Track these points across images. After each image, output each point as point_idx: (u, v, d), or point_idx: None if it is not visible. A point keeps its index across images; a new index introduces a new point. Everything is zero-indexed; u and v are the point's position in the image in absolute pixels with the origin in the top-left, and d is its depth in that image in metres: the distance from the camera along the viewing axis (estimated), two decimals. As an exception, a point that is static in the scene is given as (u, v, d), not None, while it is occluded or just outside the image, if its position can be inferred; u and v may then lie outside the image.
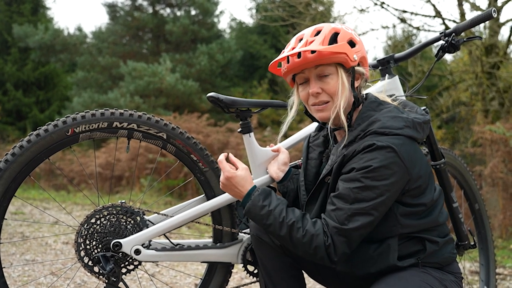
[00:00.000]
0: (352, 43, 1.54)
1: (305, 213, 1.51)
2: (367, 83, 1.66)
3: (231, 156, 1.68)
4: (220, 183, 1.63)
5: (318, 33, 1.55)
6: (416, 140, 1.50)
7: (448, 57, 9.86)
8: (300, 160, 1.94)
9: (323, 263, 1.47)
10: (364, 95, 1.60)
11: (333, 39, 1.52)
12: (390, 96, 1.69)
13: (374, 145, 1.42)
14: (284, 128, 1.70)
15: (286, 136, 1.89)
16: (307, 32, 1.57)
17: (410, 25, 7.51)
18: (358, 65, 1.56)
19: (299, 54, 1.51)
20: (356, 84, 1.57)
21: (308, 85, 1.57)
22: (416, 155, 1.47)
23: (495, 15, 1.87)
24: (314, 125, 1.96)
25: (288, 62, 1.54)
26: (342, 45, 1.51)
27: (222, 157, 1.65)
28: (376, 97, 1.60)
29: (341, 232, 1.42)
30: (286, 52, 1.56)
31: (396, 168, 1.41)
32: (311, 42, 1.52)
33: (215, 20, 15.62)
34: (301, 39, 1.57)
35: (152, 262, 1.76)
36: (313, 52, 1.49)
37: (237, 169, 1.62)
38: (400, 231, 1.49)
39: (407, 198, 1.48)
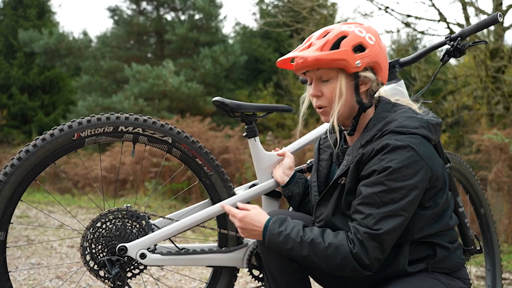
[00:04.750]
0: (360, 48, 1.50)
1: (324, 229, 1.49)
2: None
3: (238, 204, 1.65)
4: (238, 229, 1.60)
5: (325, 36, 1.53)
6: (430, 141, 1.49)
7: (452, 61, 9.84)
8: (305, 165, 1.94)
9: (358, 274, 1.43)
10: (378, 98, 1.60)
11: (337, 44, 1.49)
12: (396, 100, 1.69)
13: (392, 145, 1.41)
14: (299, 121, 1.69)
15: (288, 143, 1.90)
16: (316, 34, 1.57)
17: (414, 29, 7.50)
18: (366, 70, 1.52)
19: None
20: (364, 88, 1.54)
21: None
22: (434, 155, 1.47)
23: (500, 20, 1.86)
24: (318, 130, 1.96)
25: (292, 61, 1.60)
26: (343, 51, 1.47)
27: (226, 206, 1.65)
28: (389, 99, 1.61)
29: (373, 237, 1.39)
30: (295, 52, 1.57)
31: (418, 167, 1.40)
32: (313, 45, 1.52)
33: (220, 25, 15.67)
34: (309, 40, 1.58)
35: (158, 266, 1.76)
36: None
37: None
38: (415, 236, 1.48)
39: (424, 199, 1.46)
